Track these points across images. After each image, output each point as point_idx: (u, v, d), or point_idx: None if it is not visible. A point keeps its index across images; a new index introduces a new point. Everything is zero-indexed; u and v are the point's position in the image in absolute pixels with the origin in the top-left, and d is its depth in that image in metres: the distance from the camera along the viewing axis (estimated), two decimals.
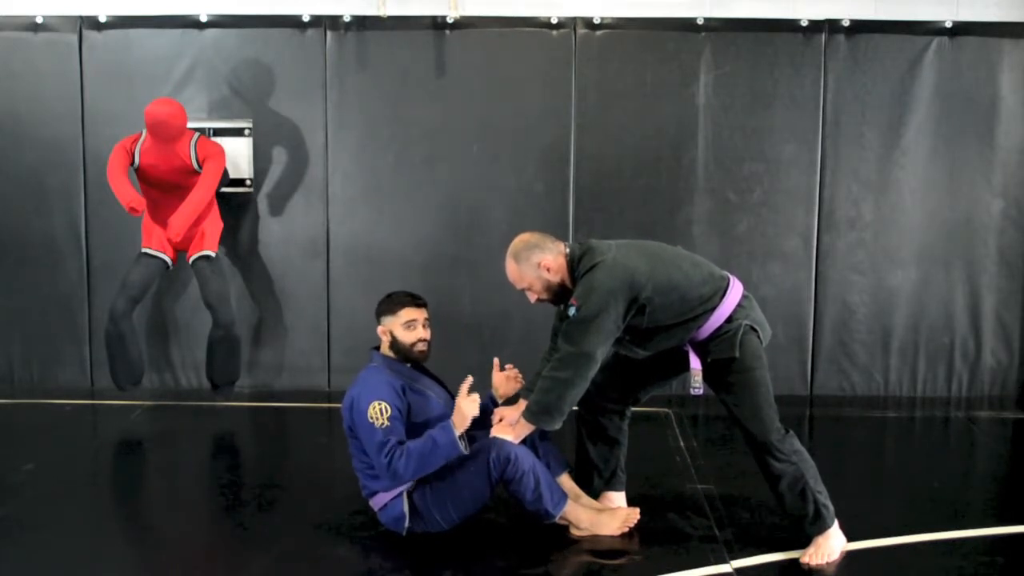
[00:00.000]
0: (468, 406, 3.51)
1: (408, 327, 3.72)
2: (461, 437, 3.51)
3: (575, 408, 3.72)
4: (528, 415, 3.58)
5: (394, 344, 3.73)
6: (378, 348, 3.81)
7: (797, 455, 3.55)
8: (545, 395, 3.53)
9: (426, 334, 3.75)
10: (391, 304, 3.75)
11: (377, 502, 3.69)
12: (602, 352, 3.50)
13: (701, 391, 3.58)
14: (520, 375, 3.92)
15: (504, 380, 3.91)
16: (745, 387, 3.54)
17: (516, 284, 3.67)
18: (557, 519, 3.66)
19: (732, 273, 3.70)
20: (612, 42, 5.69)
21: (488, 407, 3.80)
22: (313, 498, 4.14)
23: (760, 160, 5.72)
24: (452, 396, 3.84)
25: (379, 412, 3.53)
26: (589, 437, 3.90)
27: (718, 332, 3.54)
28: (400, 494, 3.62)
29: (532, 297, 3.68)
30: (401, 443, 3.51)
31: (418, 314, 3.74)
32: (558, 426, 3.58)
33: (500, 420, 3.75)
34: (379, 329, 3.76)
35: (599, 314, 3.44)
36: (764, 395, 3.54)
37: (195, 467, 4.78)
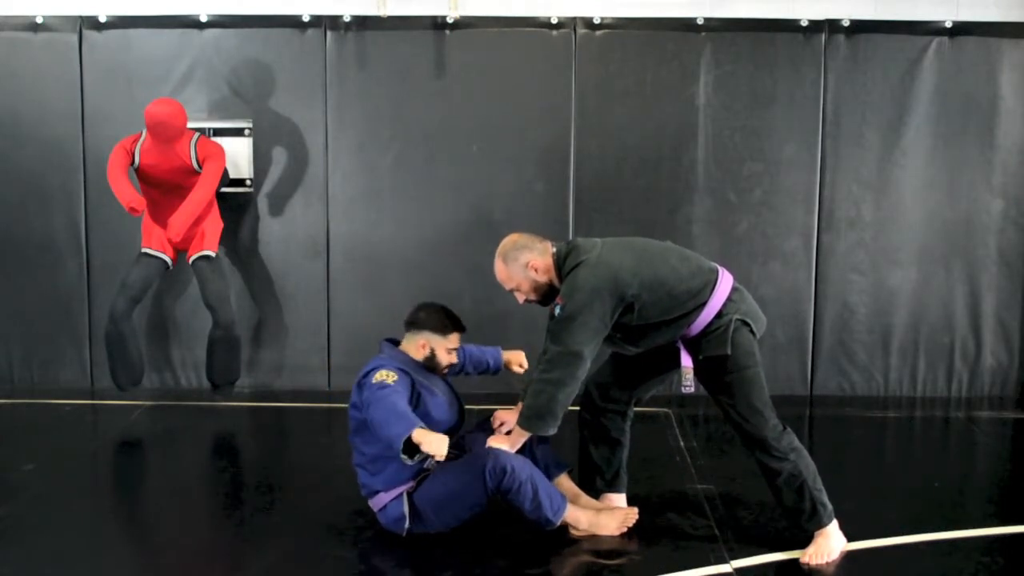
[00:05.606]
0: (438, 444, 3.28)
1: (451, 352, 3.75)
2: (420, 456, 3.34)
3: (576, 409, 3.71)
4: (522, 421, 3.56)
5: (431, 359, 3.73)
6: (394, 341, 3.79)
7: (795, 452, 3.54)
8: (536, 399, 3.51)
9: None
10: (443, 325, 3.73)
11: (377, 503, 3.69)
12: (590, 351, 3.48)
13: (692, 388, 3.57)
14: None
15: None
16: (740, 386, 3.52)
17: (505, 284, 3.67)
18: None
19: (732, 273, 3.68)
20: (612, 42, 5.68)
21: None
22: (313, 498, 4.14)
23: (760, 160, 5.72)
24: (456, 395, 3.84)
25: (385, 375, 3.54)
26: (591, 439, 3.89)
27: (709, 328, 3.52)
28: (400, 495, 3.63)
29: (520, 298, 3.68)
30: (397, 394, 3.47)
31: (460, 341, 3.79)
32: (554, 431, 3.56)
33: (500, 424, 3.75)
34: (419, 340, 3.72)
35: (583, 312, 3.43)
36: (758, 393, 3.53)
37: (195, 467, 4.78)
